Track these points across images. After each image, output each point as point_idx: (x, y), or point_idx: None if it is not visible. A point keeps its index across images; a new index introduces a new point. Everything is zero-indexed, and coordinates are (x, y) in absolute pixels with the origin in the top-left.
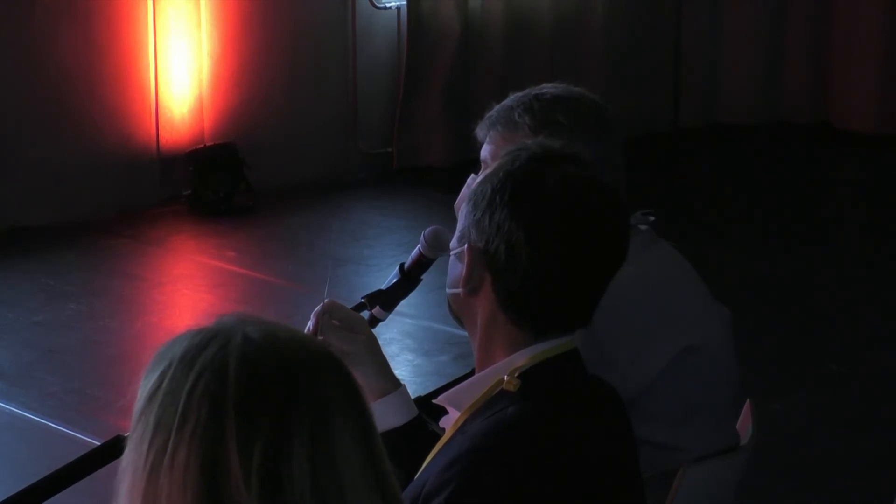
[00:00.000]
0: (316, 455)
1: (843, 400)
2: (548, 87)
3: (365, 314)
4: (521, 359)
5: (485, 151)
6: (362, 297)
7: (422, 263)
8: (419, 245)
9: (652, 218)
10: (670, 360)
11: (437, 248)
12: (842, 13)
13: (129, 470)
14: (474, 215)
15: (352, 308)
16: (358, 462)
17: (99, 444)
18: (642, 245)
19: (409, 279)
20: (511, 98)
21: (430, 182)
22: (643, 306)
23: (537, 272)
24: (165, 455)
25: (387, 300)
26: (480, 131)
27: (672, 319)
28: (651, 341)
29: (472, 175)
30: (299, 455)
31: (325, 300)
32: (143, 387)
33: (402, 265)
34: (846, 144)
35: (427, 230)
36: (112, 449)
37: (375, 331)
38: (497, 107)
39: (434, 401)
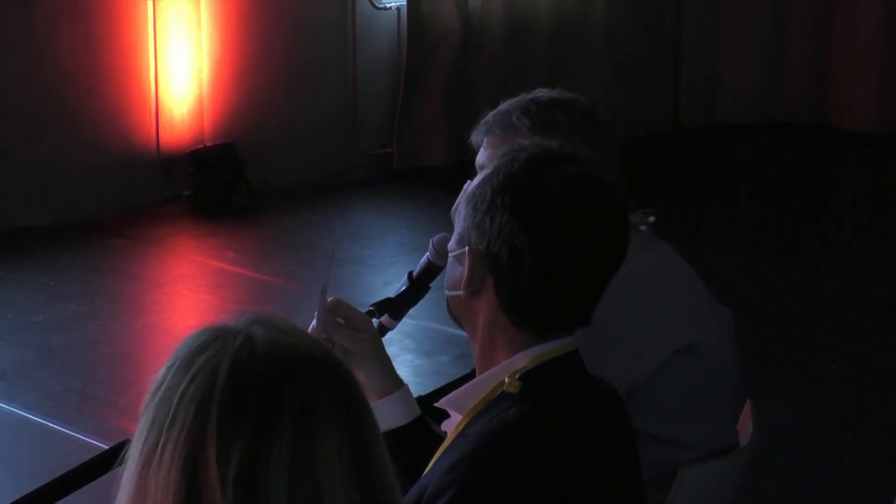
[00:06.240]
0: (296, 467)
1: (844, 400)
2: (542, 92)
3: (374, 323)
4: (522, 360)
5: (481, 156)
6: (371, 305)
7: (430, 271)
8: (427, 253)
9: (652, 218)
10: (668, 357)
11: (445, 255)
12: (842, 13)
13: (129, 460)
14: (474, 217)
15: None
16: (344, 478)
17: (101, 445)
18: (643, 244)
19: (417, 287)
20: (506, 103)
21: (430, 182)
22: (644, 304)
23: (541, 274)
24: (156, 453)
25: (395, 308)
26: (476, 137)
27: (671, 317)
28: (651, 338)
29: (469, 181)
30: (277, 466)
31: (330, 298)
32: (154, 381)
33: (410, 273)
34: (846, 144)
35: (435, 238)
36: (122, 453)
37: None
38: (492, 112)
39: (436, 404)
